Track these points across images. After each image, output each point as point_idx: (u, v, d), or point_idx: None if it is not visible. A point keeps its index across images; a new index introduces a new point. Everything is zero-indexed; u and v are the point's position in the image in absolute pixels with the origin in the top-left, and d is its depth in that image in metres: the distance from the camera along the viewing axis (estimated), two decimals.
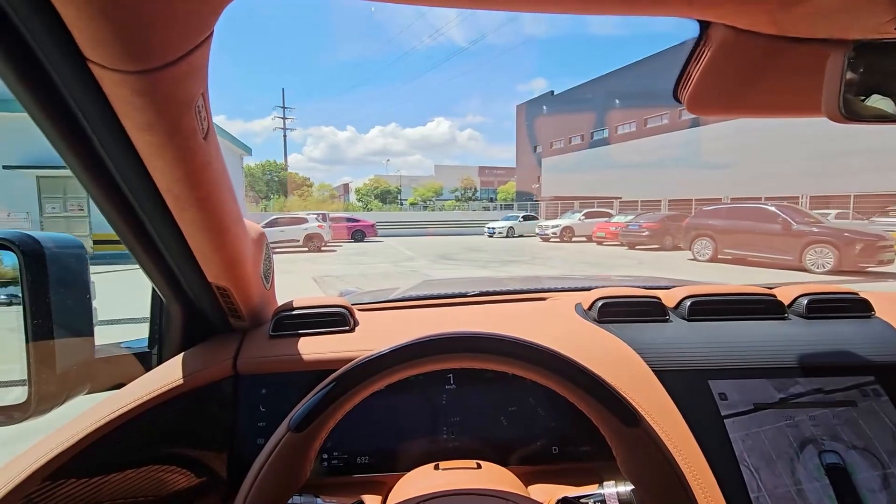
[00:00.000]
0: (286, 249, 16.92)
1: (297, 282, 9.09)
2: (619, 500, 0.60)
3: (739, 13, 0.47)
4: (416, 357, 0.52)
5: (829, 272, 9.98)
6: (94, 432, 0.66)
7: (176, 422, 0.75)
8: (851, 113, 0.46)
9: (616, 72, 36.88)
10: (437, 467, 0.78)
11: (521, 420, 0.84)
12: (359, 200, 51.35)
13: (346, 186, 66.24)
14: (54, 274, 0.66)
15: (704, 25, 0.53)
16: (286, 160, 54.86)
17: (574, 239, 20.47)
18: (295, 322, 0.90)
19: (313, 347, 0.85)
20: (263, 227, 0.91)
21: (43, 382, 0.66)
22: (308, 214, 19.06)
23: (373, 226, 23.69)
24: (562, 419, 0.83)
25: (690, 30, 0.54)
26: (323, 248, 17.87)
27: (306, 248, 17.48)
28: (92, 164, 0.57)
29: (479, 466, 0.78)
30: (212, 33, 0.45)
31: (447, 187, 53.96)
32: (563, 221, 21.30)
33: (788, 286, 0.97)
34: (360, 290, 1.63)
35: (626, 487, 0.60)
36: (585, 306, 0.96)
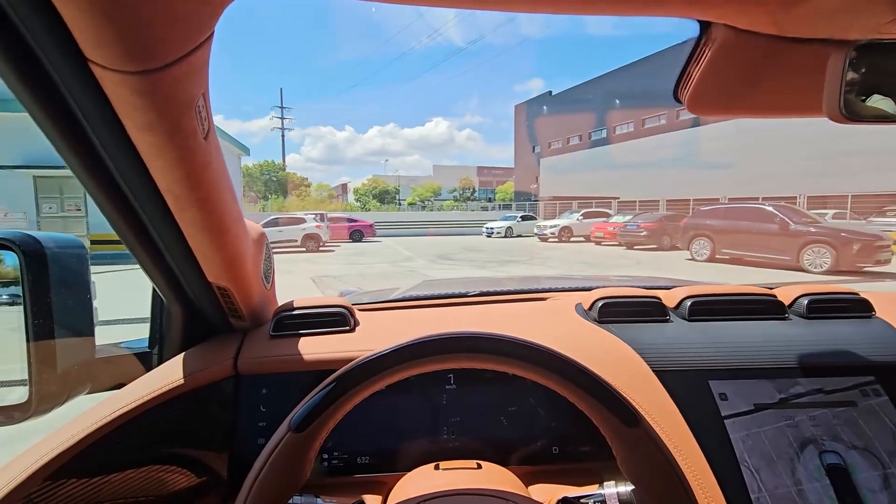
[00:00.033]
0: (284, 249, 16.89)
1: (294, 282, 9.08)
2: (619, 501, 0.60)
3: (740, 13, 0.47)
4: (416, 357, 0.52)
5: (827, 272, 10.00)
6: (95, 432, 0.66)
7: (176, 422, 0.75)
8: (852, 113, 0.46)
9: (614, 72, 37.00)
10: (437, 467, 0.78)
11: (522, 420, 0.84)
12: (357, 200, 51.31)
13: (344, 186, 66.25)
14: (55, 274, 0.66)
15: (705, 25, 0.53)
16: (284, 160, 54.95)
17: (572, 239, 20.49)
18: (295, 322, 0.89)
19: (314, 347, 0.85)
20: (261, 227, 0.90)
21: (44, 382, 0.65)
22: (306, 214, 19.04)
23: (371, 226, 23.67)
24: (562, 419, 0.83)
25: (690, 30, 0.54)
26: (321, 249, 17.85)
27: (304, 249, 17.46)
28: (92, 165, 0.57)
29: (479, 466, 0.78)
30: (212, 34, 0.45)
31: (445, 187, 53.96)
32: (562, 221, 21.31)
33: (789, 286, 0.97)
34: (360, 290, 1.63)
35: (626, 488, 0.60)
36: (586, 306, 0.96)
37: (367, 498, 0.75)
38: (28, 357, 0.64)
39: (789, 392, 0.75)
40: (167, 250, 0.71)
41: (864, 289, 0.97)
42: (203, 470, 0.78)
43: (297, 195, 49.61)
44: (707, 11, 0.47)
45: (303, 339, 0.87)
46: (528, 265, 12.82)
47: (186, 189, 0.59)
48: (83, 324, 0.72)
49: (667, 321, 0.90)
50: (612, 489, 0.61)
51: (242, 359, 0.82)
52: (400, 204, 52.31)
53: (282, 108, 50.84)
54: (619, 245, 17.20)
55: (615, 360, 0.80)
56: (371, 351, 0.53)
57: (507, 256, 14.81)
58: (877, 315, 0.89)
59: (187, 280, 0.78)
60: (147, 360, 0.90)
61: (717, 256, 12.41)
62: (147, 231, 0.68)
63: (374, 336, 0.89)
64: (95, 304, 0.73)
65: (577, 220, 20.91)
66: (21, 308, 0.64)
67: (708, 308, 0.90)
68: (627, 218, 17.66)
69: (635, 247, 16.46)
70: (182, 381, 0.75)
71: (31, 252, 0.64)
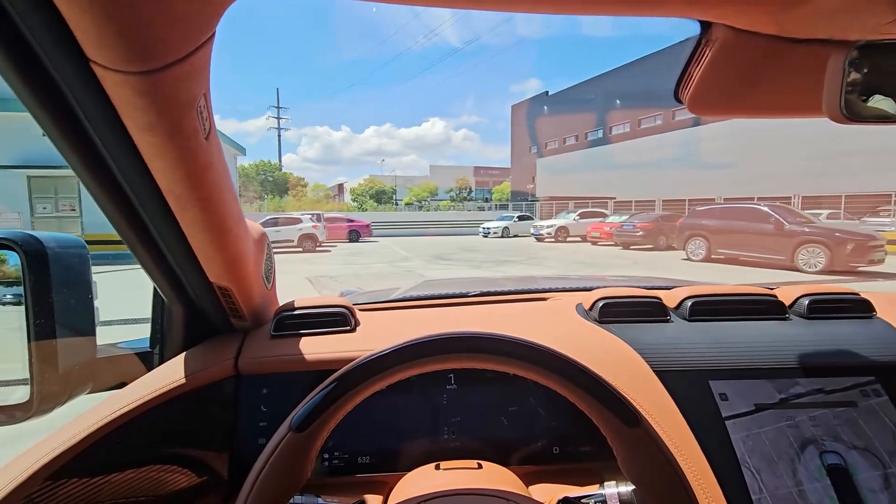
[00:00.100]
0: (281, 250, 16.84)
1: (291, 282, 9.06)
2: (619, 501, 0.60)
3: (740, 13, 0.48)
4: (416, 357, 0.52)
5: (821, 272, 10.07)
6: (96, 432, 0.65)
7: (177, 421, 0.75)
8: (853, 113, 0.46)
9: (611, 72, 36.98)
10: (437, 467, 0.78)
11: (522, 420, 0.84)
12: (354, 200, 51.20)
13: (340, 186, 66.10)
14: (57, 274, 0.66)
15: (705, 26, 0.53)
16: (280, 160, 54.83)
17: (569, 239, 20.54)
18: (296, 322, 0.89)
19: (314, 347, 0.84)
20: None
21: (45, 382, 0.65)
22: (302, 214, 19.00)
23: (368, 226, 23.64)
24: (562, 419, 0.83)
25: (687, 30, 0.55)
26: (317, 249, 17.82)
27: (301, 249, 17.42)
28: (94, 165, 0.57)
29: (479, 466, 0.78)
30: (213, 34, 0.45)
31: (442, 187, 53.95)
32: (558, 221, 21.35)
33: (789, 286, 0.98)
34: (360, 290, 1.63)
35: (627, 488, 0.60)
36: (586, 306, 0.96)
37: (368, 498, 0.75)
38: (29, 357, 0.64)
39: (790, 392, 0.75)
40: (168, 250, 0.71)
41: (859, 288, 0.97)
42: (204, 470, 0.77)
43: (294, 195, 49.49)
44: (707, 11, 0.48)
45: (303, 339, 0.86)
46: (525, 265, 12.84)
47: (188, 189, 0.59)
48: (84, 323, 0.71)
49: (667, 321, 0.90)
50: (612, 489, 0.61)
51: (243, 359, 0.82)
52: (397, 204, 52.24)
53: (278, 107, 50.75)
54: (616, 245, 17.26)
55: (616, 360, 0.80)
56: (372, 351, 0.53)
57: (503, 256, 14.82)
58: (877, 315, 0.89)
59: (188, 280, 0.78)
60: (148, 359, 0.90)
61: (712, 256, 12.47)
62: (148, 231, 0.68)
63: (374, 336, 0.89)
64: (96, 303, 0.73)
65: (574, 220, 20.96)
66: (23, 308, 0.64)
67: (708, 308, 0.90)
68: (624, 218, 17.73)
69: (631, 247, 16.52)
70: (183, 381, 0.75)
71: (33, 252, 0.64)
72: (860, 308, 0.90)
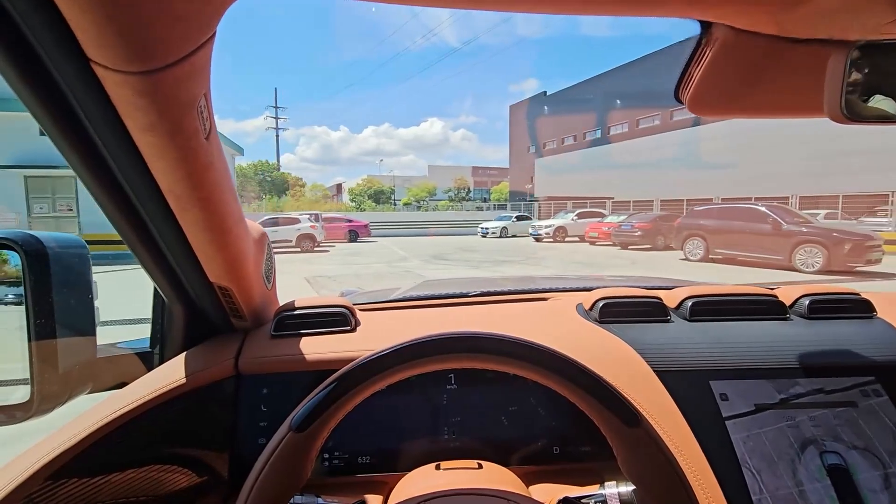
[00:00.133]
0: (279, 250, 16.81)
1: (290, 282, 9.04)
2: (620, 501, 0.60)
3: (740, 13, 0.48)
4: (417, 357, 0.52)
5: (819, 272, 10.09)
6: (96, 432, 0.65)
7: (177, 421, 0.75)
8: (853, 113, 0.46)
9: (609, 72, 37.02)
10: (438, 467, 0.78)
11: (522, 420, 0.84)
12: (352, 201, 51.20)
13: (339, 187, 66.05)
14: (57, 274, 0.66)
15: (705, 26, 0.53)
16: (279, 160, 54.69)
17: (567, 239, 20.54)
18: (296, 322, 0.89)
19: (315, 347, 0.84)
20: None
21: (45, 382, 0.65)
22: (301, 215, 18.99)
23: (366, 226, 23.64)
24: (563, 419, 0.83)
25: (687, 30, 0.55)
26: (316, 249, 17.80)
27: (299, 249, 17.41)
28: (94, 165, 0.57)
29: (480, 466, 0.78)
30: (214, 34, 0.44)
31: (441, 187, 53.97)
32: (556, 221, 21.36)
33: (790, 286, 0.98)
34: (360, 290, 1.63)
35: (627, 488, 0.60)
36: (586, 306, 0.96)
37: (368, 498, 0.75)
38: (30, 356, 0.64)
39: (790, 392, 0.75)
40: (169, 250, 0.71)
41: (858, 288, 0.97)
42: (204, 470, 0.77)
43: (292, 195, 49.42)
44: (707, 11, 0.48)
45: (304, 339, 0.86)
46: (524, 265, 12.85)
47: (188, 189, 0.59)
48: (85, 323, 0.71)
49: (668, 321, 0.90)
50: (612, 489, 0.61)
51: (243, 359, 0.82)
52: (395, 204, 52.24)
53: (276, 107, 50.66)
54: (614, 245, 17.27)
55: (616, 360, 0.80)
56: (372, 351, 0.53)
57: (502, 256, 14.83)
58: (878, 315, 0.89)
59: (189, 280, 0.78)
60: (148, 359, 0.90)
61: (710, 256, 12.49)
62: (149, 231, 0.68)
63: (375, 336, 0.89)
64: (96, 303, 0.73)
65: (572, 220, 20.97)
66: (23, 307, 0.64)
67: (709, 308, 0.90)
68: (622, 218, 17.73)
69: (629, 247, 16.53)
70: (183, 381, 0.75)
71: (33, 252, 0.64)
72: (861, 308, 0.90)
